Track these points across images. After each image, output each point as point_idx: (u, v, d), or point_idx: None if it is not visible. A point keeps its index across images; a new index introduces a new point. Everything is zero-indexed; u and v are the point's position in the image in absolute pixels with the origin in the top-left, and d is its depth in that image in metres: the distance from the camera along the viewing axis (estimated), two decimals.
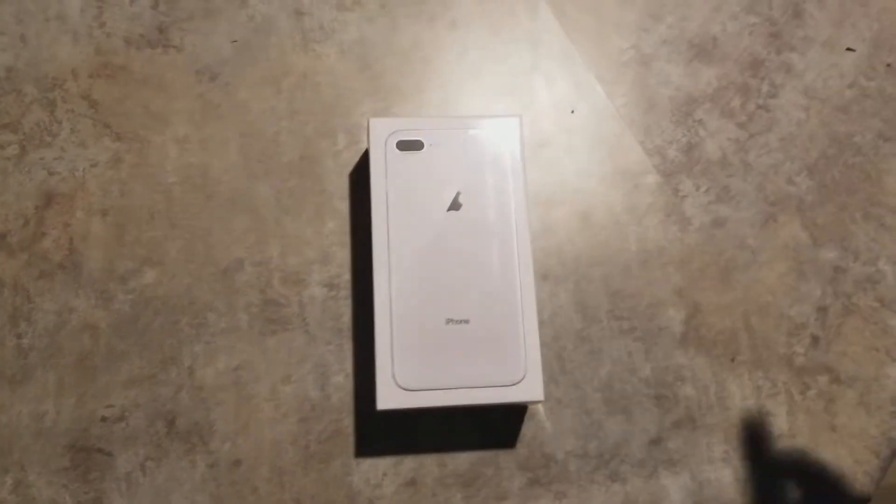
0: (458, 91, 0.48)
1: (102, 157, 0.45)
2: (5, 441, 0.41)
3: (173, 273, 0.44)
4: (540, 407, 0.44)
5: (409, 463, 0.43)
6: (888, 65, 0.50)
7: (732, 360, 0.45)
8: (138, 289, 0.44)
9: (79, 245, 0.44)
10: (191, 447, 0.42)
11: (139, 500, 0.41)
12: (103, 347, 0.43)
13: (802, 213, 0.48)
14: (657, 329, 0.45)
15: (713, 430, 0.44)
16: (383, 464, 0.43)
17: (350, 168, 0.46)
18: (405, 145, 0.43)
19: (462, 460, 0.43)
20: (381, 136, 0.43)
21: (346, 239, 0.45)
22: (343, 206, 0.46)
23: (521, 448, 0.43)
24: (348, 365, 0.44)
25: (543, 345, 0.45)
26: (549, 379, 0.44)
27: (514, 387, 0.40)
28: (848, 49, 0.51)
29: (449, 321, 0.40)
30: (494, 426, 0.44)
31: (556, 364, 0.45)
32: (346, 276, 0.45)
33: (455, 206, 0.42)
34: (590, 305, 0.46)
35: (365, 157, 0.46)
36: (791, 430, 0.44)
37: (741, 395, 0.45)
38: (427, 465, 0.43)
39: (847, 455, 0.44)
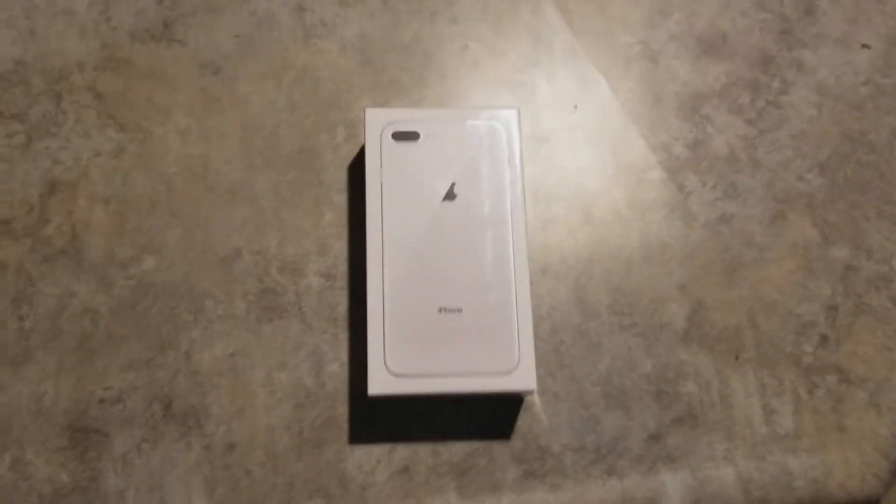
0: (458, 86, 0.52)
1: (106, 148, 0.50)
2: (5, 420, 0.45)
3: (172, 260, 0.48)
4: (536, 399, 0.47)
5: (402, 451, 0.46)
6: None
7: (737, 357, 0.48)
8: (138, 275, 0.48)
9: (81, 232, 0.48)
10: (186, 430, 0.45)
11: (134, 480, 0.45)
12: (103, 331, 0.47)
13: (813, 210, 0.51)
14: (659, 325, 0.48)
15: (715, 428, 0.47)
16: (377, 451, 0.46)
17: (348, 161, 0.50)
18: (401, 136, 0.46)
19: (456, 450, 0.46)
20: (376, 127, 0.47)
21: (344, 231, 0.49)
22: (341, 198, 0.50)
23: (517, 440, 0.46)
24: (343, 353, 0.47)
25: (541, 339, 0.48)
26: (546, 372, 0.47)
27: (506, 376, 0.43)
28: (863, 46, 0.54)
29: (442, 310, 0.44)
30: (489, 417, 0.47)
31: (553, 358, 0.48)
32: (343, 267, 0.49)
33: (450, 196, 0.46)
34: (590, 301, 0.49)
35: (363, 151, 0.49)
36: (797, 430, 0.47)
37: (745, 393, 0.47)
38: (421, 454, 0.46)
39: (856, 457, 0.47)
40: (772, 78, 0.53)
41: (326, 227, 0.49)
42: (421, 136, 0.47)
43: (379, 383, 0.43)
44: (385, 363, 0.43)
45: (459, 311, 0.44)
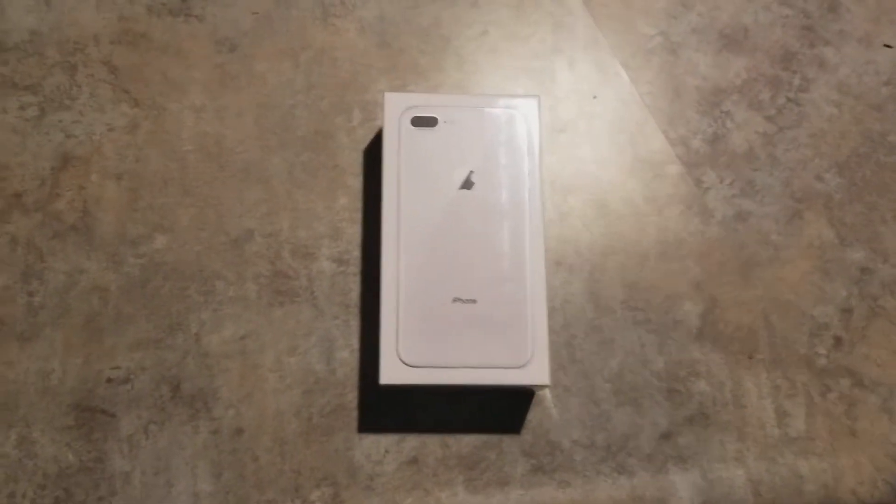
0: (476, 71, 0.51)
1: (119, 123, 0.49)
2: (11, 397, 0.44)
3: (184, 240, 0.47)
4: (547, 393, 0.46)
5: (411, 441, 0.45)
6: None
7: (750, 357, 0.47)
8: (149, 254, 0.47)
9: (92, 208, 0.47)
10: (194, 413, 0.45)
11: (140, 462, 0.44)
12: (112, 310, 0.46)
13: (830, 210, 0.50)
14: (672, 322, 0.47)
15: (727, 429, 0.46)
16: (386, 441, 0.45)
17: (364, 144, 0.49)
18: (420, 121, 0.45)
19: (465, 442, 0.45)
20: (395, 111, 0.45)
21: (358, 216, 0.48)
22: (356, 182, 0.49)
23: (526, 434, 0.45)
24: (354, 340, 0.46)
25: (554, 332, 0.47)
26: (558, 366, 0.46)
27: (519, 369, 0.42)
28: (885, 45, 0.53)
29: (456, 300, 0.43)
30: (500, 410, 0.46)
31: (565, 352, 0.47)
32: (356, 253, 0.47)
33: (467, 184, 0.44)
34: (603, 295, 0.48)
35: (379, 135, 0.48)
36: (809, 433, 0.46)
37: (758, 394, 0.46)
38: (430, 445, 0.45)
39: (867, 462, 0.46)
40: (793, 75, 0.52)
41: (340, 210, 0.48)
42: (439, 123, 0.45)
43: (391, 372, 0.42)
44: (397, 352, 0.42)
45: (474, 301, 0.43)
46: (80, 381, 0.45)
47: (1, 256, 0.47)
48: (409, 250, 0.44)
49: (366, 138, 0.49)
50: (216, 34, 0.51)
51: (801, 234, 0.50)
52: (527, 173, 0.45)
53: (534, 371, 0.43)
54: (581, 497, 0.45)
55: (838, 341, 0.48)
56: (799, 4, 0.53)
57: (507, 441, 0.46)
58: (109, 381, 0.45)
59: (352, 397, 0.46)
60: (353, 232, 0.48)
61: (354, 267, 0.47)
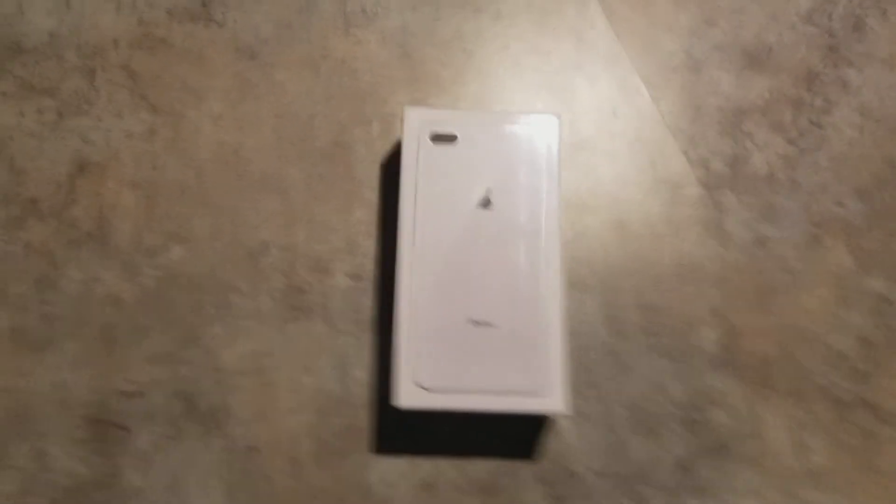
0: (497, 85, 0.50)
1: (137, 129, 0.48)
2: (25, 409, 0.44)
3: (200, 251, 0.47)
4: (563, 419, 0.46)
5: (425, 465, 0.45)
6: None
7: (767, 386, 0.46)
8: (164, 264, 0.46)
9: (108, 215, 0.47)
10: (207, 430, 0.44)
11: (153, 478, 0.43)
12: (126, 321, 0.45)
13: (849, 237, 0.49)
14: (690, 348, 0.47)
15: (744, 460, 0.45)
16: (400, 463, 0.44)
17: (382, 157, 0.49)
18: (439, 138, 0.44)
19: (480, 467, 0.45)
20: (414, 127, 0.45)
21: (374, 230, 0.47)
22: (373, 195, 0.48)
23: (542, 460, 0.45)
24: (368, 359, 0.46)
25: (569, 355, 0.46)
26: (574, 391, 0.46)
27: (537, 396, 0.42)
28: None
29: (472, 322, 0.42)
30: (516, 434, 0.45)
31: (582, 376, 0.46)
32: (371, 267, 0.47)
33: (485, 203, 0.44)
34: (619, 318, 0.47)
35: (398, 148, 0.48)
36: (827, 466, 0.45)
37: (775, 425, 0.46)
38: (444, 469, 0.45)
39: (886, 497, 0.45)
40: (815, 96, 0.51)
41: (356, 224, 0.47)
42: (459, 139, 0.44)
43: (408, 396, 0.41)
44: (414, 375, 0.41)
45: (490, 324, 0.43)
46: (94, 392, 0.45)
47: (15, 263, 0.46)
48: (424, 269, 0.43)
49: (384, 151, 0.49)
50: (237, 41, 0.50)
51: (820, 260, 0.49)
52: (545, 193, 0.44)
53: (552, 399, 0.42)
54: None
55: (856, 372, 0.47)
56: (824, 23, 0.52)
57: (523, 467, 0.45)
58: (123, 394, 0.44)
59: (365, 418, 0.45)
60: (369, 246, 0.47)
61: (368, 282, 0.47)
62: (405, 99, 0.50)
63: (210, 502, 0.43)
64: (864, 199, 0.50)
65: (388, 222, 0.48)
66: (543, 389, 0.42)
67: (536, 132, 0.45)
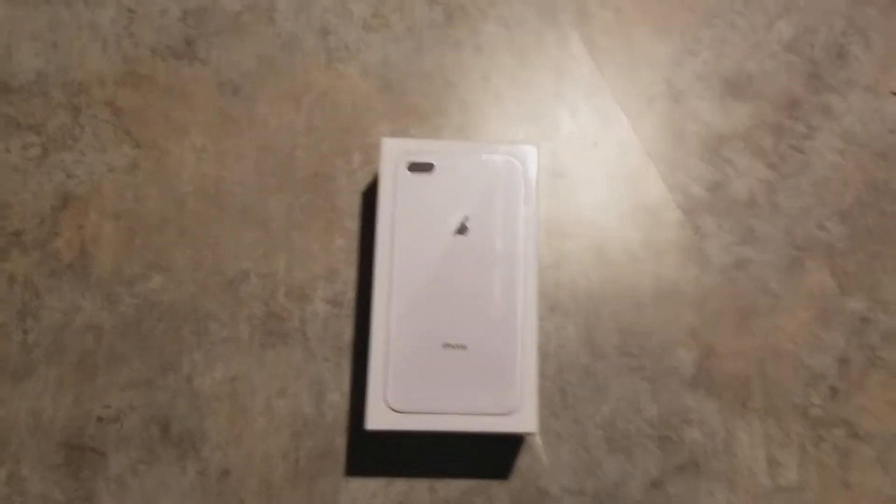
0: (478, 116, 0.52)
1: (120, 163, 0.50)
2: (2, 434, 0.45)
3: (179, 280, 0.48)
4: (538, 439, 0.46)
5: (399, 486, 0.45)
6: None
7: (744, 405, 0.47)
8: (144, 293, 0.48)
9: (90, 247, 0.48)
10: (182, 453, 0.45)
11: (128, 501, 0.44)
12: (105, 349, 0.46)
13: (832, 259, 0.49)
14: (666, 369, 0.47)
15: (717, 478, 0.46)
16: (373, 485, 0.45)
17: (363, 187, 0.50)
18: (416, 167, 0.46)
19: (453, 487, 0.45)
20: (392, 157, 0.46)
21: (354, 257, 0.49)
22: (353, 224, 0.49)
23: (515, 480, 0.45)
24: (345, 383, 0.47)
25: (547, 377, 0.47)
26: (550, 412, 0.46)
27: (507, 416, 0.42)
28: (892, 93, 0.53)
29: (446, 345, 0.43)
30: (489, 454, 0.46)
31: (558, 398, 0.47)
32: (351, 295, 0.48)
33: (462, 230, 0.45)
34: (598, 341, 0.48)
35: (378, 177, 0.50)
36: (801, 483, 0.46)
37: (750, 444, 0.46)
38: (417, 490, 0.45)
39: None
40: (796, 122, 0.52)
41: (336, 252, 0.48)
42: (436, 168, 0.45)
43: (377, 418, 0.42)
44: (385, 397, 0.42)
45: (464, 347, 0.43)
46: (71, 419, 0.46)
47: None
48: (400, 294, 0.44)
49: (364, 181, 0.50)
50: (219, 77, 0.51)
51: (802, 282, 0.49)
52: (522, 221, 0.45)
53: (522, 419, 0.43)
54: None
55: (834, 392, 0.48)
56: (806, 52, 0.53)
57: (496, 486, 0.45)
58: (100, 419, 0.46)
59: (340, 441, 0.46)
60: (349, 274, 0.48)
61: (348, 309, 0.47)
62: (386, 130, 0.51)
63: None
64: (846, 222, 0.50)
65: (368, 250, 0.49)
66: (514, 410, 0.42)
67: (514, 161, 0.46)
